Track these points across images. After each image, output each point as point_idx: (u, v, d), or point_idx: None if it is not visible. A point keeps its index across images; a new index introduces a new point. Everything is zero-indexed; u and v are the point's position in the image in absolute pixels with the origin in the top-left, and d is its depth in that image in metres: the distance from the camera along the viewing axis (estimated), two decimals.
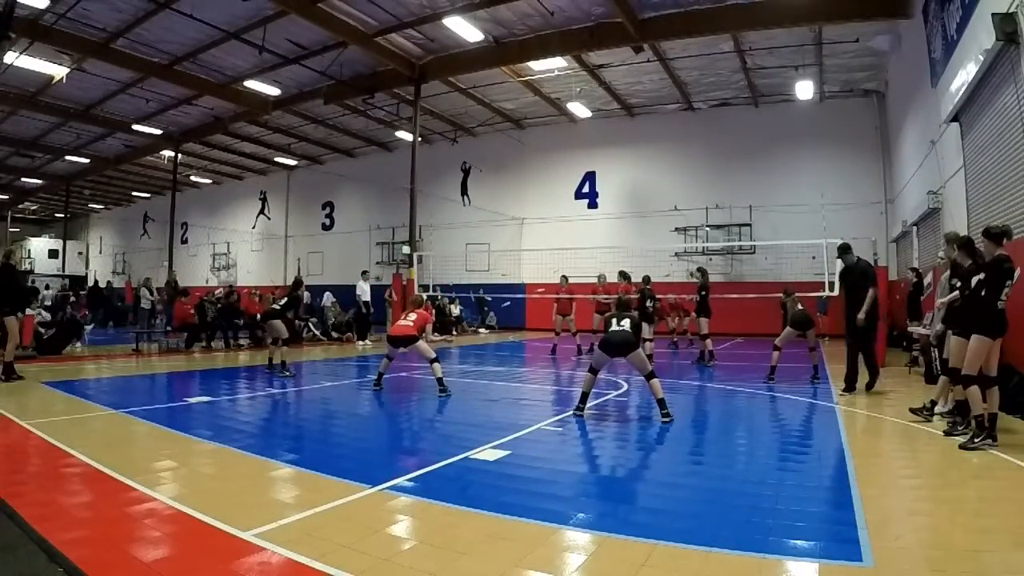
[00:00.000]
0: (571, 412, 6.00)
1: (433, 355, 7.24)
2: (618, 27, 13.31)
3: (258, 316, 12.40)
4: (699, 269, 11.46)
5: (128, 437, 5.01)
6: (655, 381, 5.82)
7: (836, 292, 11.61)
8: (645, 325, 10.83)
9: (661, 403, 5.76)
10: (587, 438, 5.22)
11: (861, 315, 6.91)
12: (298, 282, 10.73)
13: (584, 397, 5.99)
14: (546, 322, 14.69)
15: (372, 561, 2.55)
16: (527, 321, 20.97)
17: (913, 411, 5.62)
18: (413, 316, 7.57)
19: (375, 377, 7.71)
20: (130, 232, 34.29)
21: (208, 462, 4.21)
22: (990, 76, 6.89)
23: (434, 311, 18.65)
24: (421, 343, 7.32)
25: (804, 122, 17.72)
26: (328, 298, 17.63)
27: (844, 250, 7.45)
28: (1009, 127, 6.50)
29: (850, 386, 7.08)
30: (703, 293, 10.70)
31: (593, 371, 6.07)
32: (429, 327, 7.84)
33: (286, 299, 9.80)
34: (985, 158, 7.44)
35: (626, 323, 5.94)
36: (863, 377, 7.27)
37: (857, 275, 7.20)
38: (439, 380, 7.20)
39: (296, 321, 11.49)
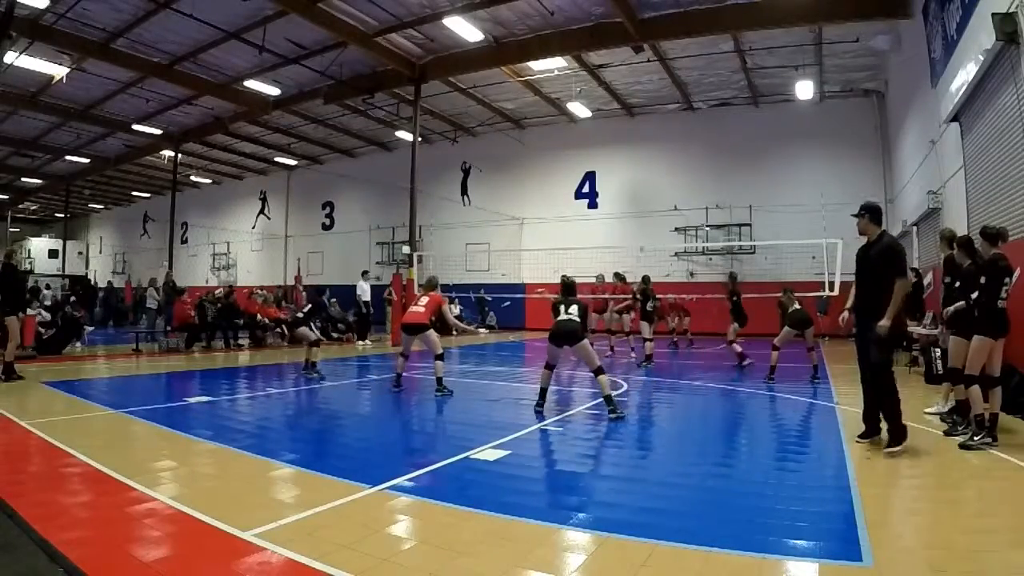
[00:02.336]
0: (533, 408, 6.05)
1: (440, 350, 7.04)
2: (618, 27, 13.31)
3: (274, 321, 13.21)
4: (730, 275, 10.98)
5: (128, 437, 5.00)
6: (603, 377, 5.82)
7: (836, 291, 11.70)
8: (645, 324, 10.84)
9: (608, 399, 5.76)
10: (587, 438, 5.22)
11: (884, 322, 4.34)
12: (320, 289, 10.68)
13: (543, 393, 6.02)
14: (546, 322, 14.69)
15: (372, 561, 2.55)
16: (527, 321, 20.98)
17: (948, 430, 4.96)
18: (424, 300, 7.12)
19: (393, 378, 7.50)
20: (130, 232, 34.28)
21: (208, 462, 4.21)
22: (990, 76, 6.89)
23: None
24: (432, 333, 6.93)
25: (804, 122, 17.72)
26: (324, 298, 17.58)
27: (871, 214, 4.68)
28: (1009, 127, 6.50)
29: (870, 429, 4.71)
30: (734, 299, 10.17)
31: (549, 367, 6.08)
32: (447, 308, 7.33)
33: (310, 306, 9.63)
34: (985, 158, 7.44)
35: (574, 310, 5.89)
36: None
37: (875, 256, 4.59)
38: (438, 379, 7.06)
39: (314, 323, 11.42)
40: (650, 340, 10.70)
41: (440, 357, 7.08)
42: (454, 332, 6.89)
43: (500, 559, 2.59)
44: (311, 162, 26.62)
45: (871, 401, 4.67)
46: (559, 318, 5.94)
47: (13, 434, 4.89)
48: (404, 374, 7.64)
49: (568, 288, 6.21)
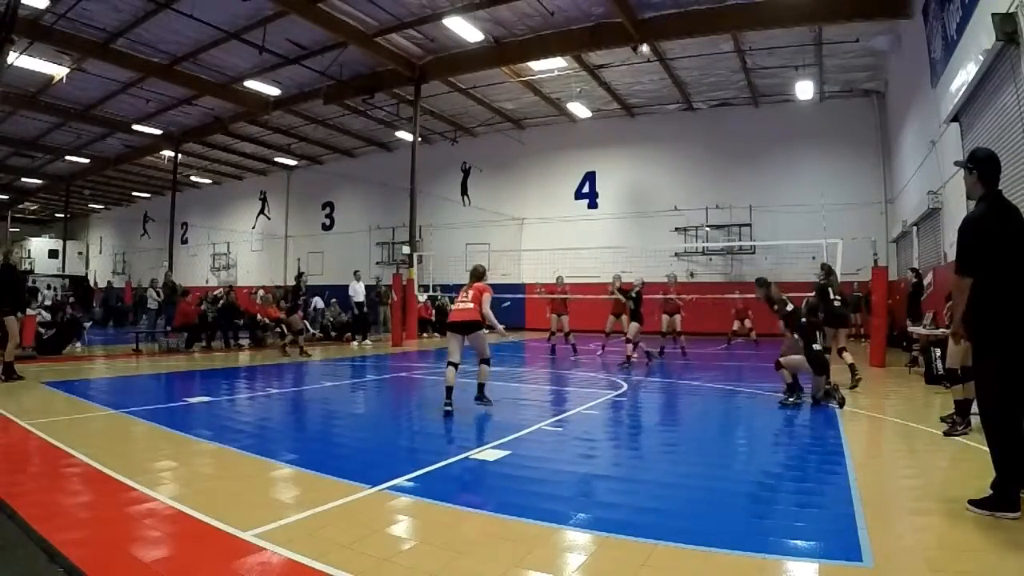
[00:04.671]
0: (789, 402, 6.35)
1: (488, 354, 6.21)
2: (618, 27, 13.31)
3: (274, 321, 13.69)
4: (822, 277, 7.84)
5: (128, 437, 5.00)
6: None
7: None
8: (635, 325, 10.55)
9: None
10: (587, 438, 5.22)
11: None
12: (299, 273, 12.65)
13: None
14: (546, 323, 14.67)
15: (372, 561, 2.55)
16: (527, 321, 20.97)
17: None
18: (470, 293, 6.20)
19: (445, 393, 6.07)
20: (130, 232, 34.29)
21: (208, 462, 4.21)
22: (990, 76, 6.89)
23: (434, 311, 18.67)
24: (483, 334, 6.12)
25: (804, 122, 17.72)
26: (318, 302, 17.66)
27: (979, 167, 3.27)
28: (1009, 127, 6.50)
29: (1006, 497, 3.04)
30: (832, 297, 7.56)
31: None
32: (488, 299, 6.22)
33: (291, 291, 11.33)
34: None
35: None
36: None
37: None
38: (481, 386, 6.23)
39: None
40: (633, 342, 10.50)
41: (487, 361, 6.21)
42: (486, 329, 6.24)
43: (500, 559, 2.59)
44: (311, 162, 26.62)
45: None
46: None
47: (13, 434, 4.88)
48: (404, 375, 7.61)
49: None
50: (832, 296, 7.33)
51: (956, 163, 3.66)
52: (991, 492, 3.08)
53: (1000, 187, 3.32)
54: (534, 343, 16.12)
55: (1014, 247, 3.10)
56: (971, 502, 3.12)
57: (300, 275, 12.47)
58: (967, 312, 3.19)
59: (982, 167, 3.26)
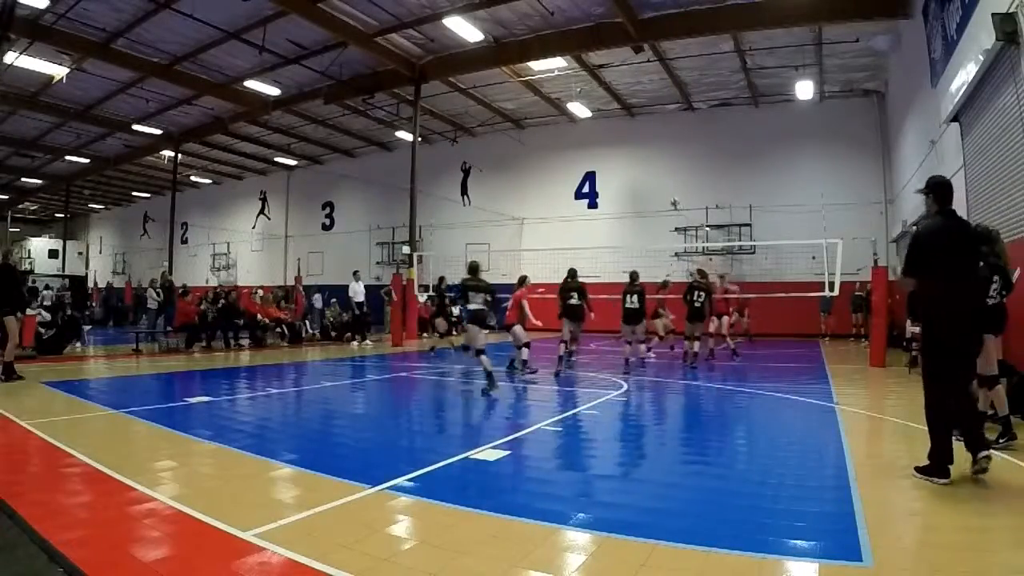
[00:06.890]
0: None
1: (520, 343, 8.92)
2: (618, 27, 13.32)
3: (274, 321, 14.54)
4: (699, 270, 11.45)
5: (128, 437, 5.01)
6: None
7: (837, 291, 11.64)
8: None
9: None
10: (587, 438, 5.22)
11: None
12: (440, 278, 14.76)
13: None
14: (548, 323, 14.60)
15: (372, 561, 2.55)
16: (527, 321, 20.95)
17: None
18: (511, 301, 8.94)
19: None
20: (130, 232, 34.29)
21: (208, 462, 4.21)
22: (990, 76, 6.89)
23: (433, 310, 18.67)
24: (516, 329, 8.85)
25: (804, 122, 17.72)
26: (318, 299, 17.62)
27: (933, 192, 3.86)
28: (1009, 127, 6.50)
29: (940, 467, 3.61)
30: (693, 299, 10.40)
31: None
32: (525, 303, 8.91)
33: (437, 298, 13.75)
34: (985, 158, 7.44)
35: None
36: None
37: (962, 239, 3.78)
38: (523, 362, 8.87)
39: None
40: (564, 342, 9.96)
41: (523, 347, 8.96)
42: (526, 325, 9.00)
43: (500, 559, 2.59)
44: (311, 162, 26.62)
45: (946, 429, 3.69)
46: None
47: (13, 434, 4.89)
48: (404, 375, 7.69)
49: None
50: (694, 298, 10.02)
51: (916, 191, 4.34)
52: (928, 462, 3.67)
53: (995, 189, 3.75)
54: (534, 343, 16.09)
55: (952, 255, 3.70)
56: (916, 469, 3.72)
57: (441, 280, 14.60)
58: (909, 308, 4.08)
59: (935, 191, 3.90)
